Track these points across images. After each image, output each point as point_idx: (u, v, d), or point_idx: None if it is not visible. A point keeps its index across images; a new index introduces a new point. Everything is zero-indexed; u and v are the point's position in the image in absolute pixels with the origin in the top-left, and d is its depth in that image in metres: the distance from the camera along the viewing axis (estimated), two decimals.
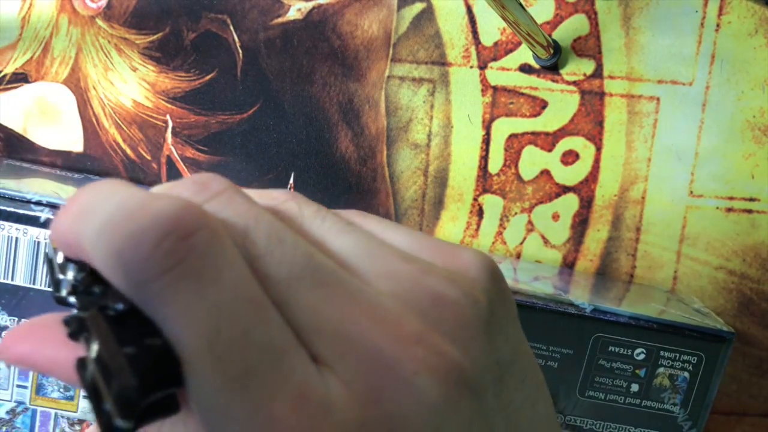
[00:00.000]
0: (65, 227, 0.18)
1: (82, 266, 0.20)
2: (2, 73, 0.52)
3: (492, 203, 0.50)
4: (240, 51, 0.50)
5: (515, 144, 0.49)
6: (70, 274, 0.20)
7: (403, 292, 0.19)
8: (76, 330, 0.19)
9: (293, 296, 0.18)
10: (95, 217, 0.17)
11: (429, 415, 0.17)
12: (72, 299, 0.20)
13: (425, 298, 0.19)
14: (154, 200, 0.17)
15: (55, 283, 0.20)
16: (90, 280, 0.19)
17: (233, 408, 0.16)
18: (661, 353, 0.40)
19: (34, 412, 0.39)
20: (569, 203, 0.49)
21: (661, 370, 0.40)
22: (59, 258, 0.20)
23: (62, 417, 0.39)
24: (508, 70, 0.49)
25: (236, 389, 0.16)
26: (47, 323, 0.19)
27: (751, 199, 0.48)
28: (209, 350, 0.16)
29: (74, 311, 0.20)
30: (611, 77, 0.48)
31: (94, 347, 0.17)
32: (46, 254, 0.22)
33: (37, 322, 0.19)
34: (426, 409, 0.17)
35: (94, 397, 0.17)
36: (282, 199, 0.22)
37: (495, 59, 0.49)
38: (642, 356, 0.40)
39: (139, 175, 0.52)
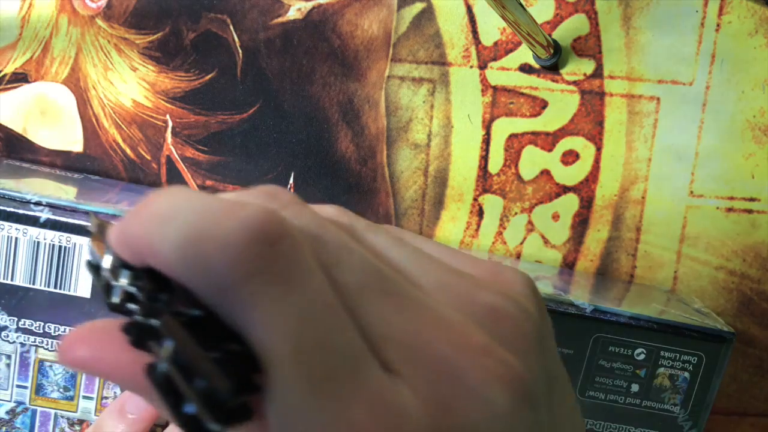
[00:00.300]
0: (136, 232, 0.18)
1: (138, 272, 0.20)
2: (2, 73, 0.52)
3: (492, 203, 0.50)
4: (240, 51, 0.50)
5: (515, 144, 0.49)
6: (123, 280, 0.20)
7: (461, 304, 0.20)
8: (139, 336, 0.19)
9: (363, 304, 0.19)
10: (176, 222, 0.17)
11: (498, 424, 0.18)
12: (132, 306, 0.20)
13: (481, 311, 0.20)
14: (239, 207, 0.17)
15: (106, 290, 0.20)
16: (154, 286, 0.19)
17: (314, 413, 0.16)
18: (662, 353, 0.40)
19: (34, 412, 0.39)
20: (569, 203, 0.49)
21: (661, 370, 0.40)
22: (106, 263, 0.20)
23: (62, 417, 0.39)
24: (508, 69, 0.49)
25: (318, 394, 0.16)
26: (105, 328, 0.19)
27: (752, 199, 0.48)
28: (295, 355, 0.16)
29: (125, 317, 0.20)
30: (611, 77, 0.48)
31: (167, 350, 0.17)
32: (89, 261, 0.22)
33: (94, 326, 0.19)
34: (495, 419, 0.18)
35: (171, 400, 0.17)
36: (334, 213, 0.23)
37: (495, 59, 0.49)
38: (642, 356, 0.40)
39: (139, 175, 0.52)
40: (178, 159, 0.51)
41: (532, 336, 0.21)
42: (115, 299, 0.20)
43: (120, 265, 0.20)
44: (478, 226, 0.50)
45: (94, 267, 0.21)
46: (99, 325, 0.19)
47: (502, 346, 0.19)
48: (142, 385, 0.18)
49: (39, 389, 0.39)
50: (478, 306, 0.20)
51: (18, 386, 0.39)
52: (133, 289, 0.20)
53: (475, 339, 0.19)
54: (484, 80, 0.49)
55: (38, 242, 0.38)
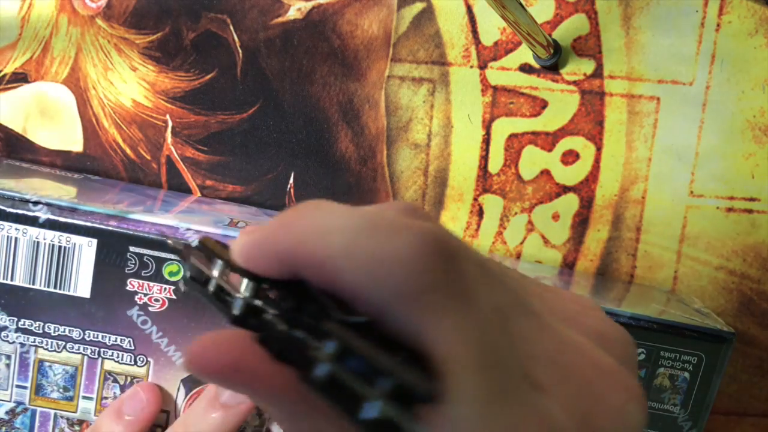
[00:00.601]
0: (289, 245, 0.19)
1: (273, 284, 0.20)
2: (2, 73, 0.52)
3: (492, 203, 0.50)
4: (240, 51, 0.50)
5: (515, 144, 0.49)
6: (245, 293, 0.20)
7: (576, 327, 0.22)
8: (284, 347, 0.19)
9: (509, 323, 0.20)
10: (344, 235, 0.18)
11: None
12: (269, 316, 0.20)
13: (593, 334, 0.22)
14: (411, 220, 0.19)
15: (218, 301, 0.21)
16: (294, 298, 0.20)
17: (490, 421, 0.17)
18: (662, 353, 0.40)
19: (34, 412, 0.39)
20: (569, 203, 0.49)
21: (661, 370, 0.40)
22: (216, 273, 0.21)
23: (62, 417, 0.39)
24: (508, 69, 0.49)
25: (494, 405, 0.17)
26: (237, 338, 0.19)
27: (752, 199, 0.48)
28: (478, 366, 0.17)
29: (244, 328, 0.20)
30: (611, 77, 0.48)
31: (330, 353, 0.18)
32: (191, 276, 0.22)
33: (225, 335, 0.19)
34: (633, 429, 0.20)
35: (346, 405, 0.17)
36: None
37: (495, 59, 0.49)
38: (642, 356, 0.40)
39: (139, 175, 0.52)
40: (178, 159, 0.51)
41: (635, 358, 0.23)
42: (236, 311, 0.20)
43: (250, 279, 0.20)
44: (478, 226, 0.50)
45: (202, 281, 0.22)
46: (230, 334, 0.19)
47: (624, 367, 0.21)
48: (290, 395, 0.19)
49: (39, 389, 0.39)
50: (589, 329, 0.22)
51: (18, 386, 0.39)
52: (259, 302, 0.20)
53: (605, 360, 0.21)
54: (484, 80, 0.49)
55: (38, 242, 0.38)
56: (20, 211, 0.38)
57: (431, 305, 0.17)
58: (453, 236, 0.19)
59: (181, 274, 0.22)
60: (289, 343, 0.19)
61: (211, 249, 0.22)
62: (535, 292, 0.23)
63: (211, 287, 0.21)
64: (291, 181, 0.51)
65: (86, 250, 0.38)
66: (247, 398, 0.36)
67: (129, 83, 0.51)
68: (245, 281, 0.20)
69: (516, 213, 0.50)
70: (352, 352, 0.17)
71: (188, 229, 0.38)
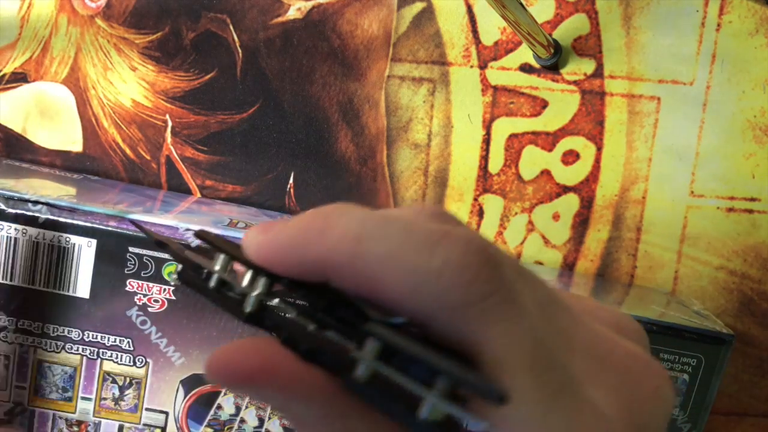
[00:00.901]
0: (319, 251, 0.19)
1: (294, 285, 0.20)
2: (1, 73, 0.52)
3: (492, 203, 0.50)
4: (240, 50, 0.50)
5: (515, 144, 0.49)
6: (259, 290, 0.20)
7: (597, 320, 0.23)
8: (310, 349, 0.19)
9: (551, 320, 0.20)
10: (382, 243, 0.19)
11: (669, 416, 0.22)
12: (292, 316, 0.20)
13: (612, 325, 0.23)
14: (446, 227, 0.19)
15: (227, 298, 0.21)
16: (326, 300, 0.20)
17: (551, 420, 0.18)
18: (661, 355, 0.39)
19: (33, 412, 0.39)
20: (570, 203, 0.49)
21: None
22: (218, 267, 0.21)
23: (60, 418, 0.39)
24: (508, 69, 0.49)
25: (551, 403, 0.18)
26: (262, 343, 0.19)
27: (752, 199, 0.47)
28: (531, 368, 0.18)
29: (256, 328, 0.20)
30: (612, 77, 0.48)
31: (368, 352, 0.18)
32: (188, 272, 0.22)
33: (249, 342, 0.19)
34: (669, 412, 0.22)
35: (396, 406, 0.17)
36: None
37: (495, 59, 0.49)
38: None
39: (139, 175, 0.52)
40: (178, 159, 0.51)
41: (648, 343, 0.24)
42: (250, 309, 0.20)
43: (266, 277, 0.20)
44: (479, 226, 0.50)
45: (201, 276, 0.21)
46: (254, 339, 0.19)
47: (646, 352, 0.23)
48: (323, 397, 0.19)
49: (38, 390, 0.39)
50: (608, 321, 0.23)
51: (16, 387, 0.39)
52: (278, 302, 0.20)
53: (634, 348, 0.22)
54: (484, 80, 0.49)
55: (37, 242, 0.38)
56: (20, 211, 0.38)
57: (482, 313, 0.18)
58: (490, 242, 0.19)
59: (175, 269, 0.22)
60: (320, 344, 0.19)
61: (213, 242, 0.22)
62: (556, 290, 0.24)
63: (213, 282, 0.21)
64: (291, 180, 0.51)
65: (86, 250, 0.38)
66: None
67: (129, 83, 0.51)
68: (250, 277, 0.20)
69: (516, 213, 0.49)
70: (401, 352, 0.18)
71: (187, 230, 0.38)
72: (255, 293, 0.20)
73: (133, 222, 0.26)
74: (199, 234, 0.22)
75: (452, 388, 0.17)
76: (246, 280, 0.21)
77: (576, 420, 0.19)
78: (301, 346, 0.19)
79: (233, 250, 0.21)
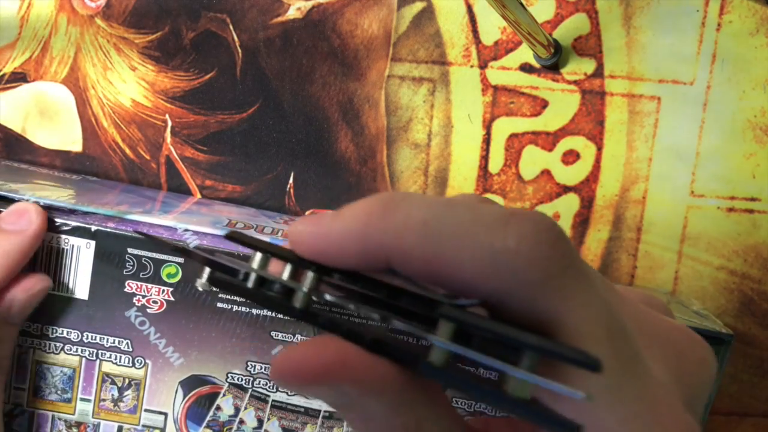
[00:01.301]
0: (382, 238, 0.19)
1: (320, 276, 0.20)
2: (1, 73, 0.52)
3: None
4: (239, 50, 0.50)
5: (516, 144, 0.49)
6: (309, 284, 0.20)
7: (633, 295, 0.24)
8: (379, 340, 0.19)
9: (611, 295, 0.21)
10: (448, 228, 0.19)
11: (713, 383, 0.23)
12: (348, 307, 0.20)
13: (644, 300, 0.24)
14: (511, 209, 0.19)
15: (267, 296, 0.20)
16: (385, 289, 0.20)
17: (625, 387, 0.19)
18: None
19: (32, 414, 0.39)
20: (570, 203, 0.49)
21: None
22: (256, 265, 0.21)
23: (60, 419, 0.39)
24: (508, 69, 0.49)
25: (627, 371, 0.19)
26: (328, 339, 0.19)
27: (753, 199, 0.47)
28: (608, 338, 0.19)
29: (304, 321, 0.20)
30: (612, 77, 0.48)
31: (442, 336, 0.18)
32: (219, 276, 0.22)
33: (315, 340, 0.19)
34: (713, 379, 0.23)
35: (477, 385, 0.17)
36: None
37: (495, 58, 0.49)
38: None
39: (138, 175, 0.52)
40: (178, 159, 0.51)
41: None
42: (300, 305, 0.20)
43: (316, 270, 0.20)
44: None
45: (236, 277, 0.21)
46: (317, 339, 0.19)
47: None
48: (395, 387, 0.19)
49: (36, 391, 0.39)
50: (641, 298, 0.24)
51: (15, 388, 0.39)
52: (330, 296, 0.20)
53: (676, 322, 0.23)
54: (484, 80, 0.49)
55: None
56: None
57: (560, 287, 0.18)
58: (549, 218, 0.19)
59: (203, 276, 0.22)
60: (387, 334, 0.19)
61: (247, 241, 0.21)
62: None
63: (251, 282, 0.21)
64: (291, 181, 0.51)
65: (84, 251, 0.38)
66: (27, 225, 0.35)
67: (128, 83, 0.51)
68: (290, 272, 0.20)
69: None
70: (478, 332, 0.18)
71: (186, 230, 0.38)
72: (305, 288, 0.20)
73: (144, 234, 0.25)
74: (230, 235, 0.22)
75: (537, 362, 0.17)
76: (286, 275, 0.20)
77: (645, 387, 0.19)
78: (366, 337, 0.19)
79: (269, 247, 0.21)
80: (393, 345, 0.19)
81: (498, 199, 0.49)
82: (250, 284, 0.21)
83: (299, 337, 0.37)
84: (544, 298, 0.18)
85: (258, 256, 0.21)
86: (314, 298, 0.20)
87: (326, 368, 0.18)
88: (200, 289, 0.22)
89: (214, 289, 0.22)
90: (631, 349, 0.19)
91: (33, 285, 0.36)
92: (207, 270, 0.22)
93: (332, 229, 0.20)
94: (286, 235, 0.21)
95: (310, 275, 0.20)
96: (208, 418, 0.39)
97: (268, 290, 0.21)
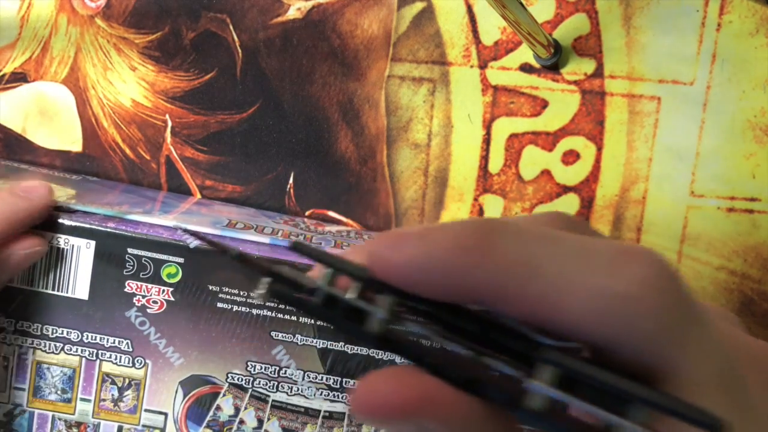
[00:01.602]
0: (484, 277, 0.18)
1: (426, 304, 0.19)
2: (1, 73, 0.52)
3: (492, 203, 0.50)
4: (239, 50, 0.50)
5: (516, 144, 0.49)
6: (384, 309, 0.18)
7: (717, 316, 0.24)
8: (474, 379, 0.18)
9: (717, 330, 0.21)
10: (556, 267, 0.17)
11: None
12: (433, 339, 0.19)
13: (724, 317, 0.25)
14: (623, 243, 0.18)
15: (333, 316, 0.19)
16: (479, 325, 0.18)
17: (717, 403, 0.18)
18: None
19: (32, 414, 0.39)
20: (570, 203, 0.49)
21: None
22: (323, 282, 0.19)
23: (60, 419, 0.39)
24: (508, 69, 0.49)
25: (742, 420, 0.18)
26: (409, 371, 0.18)
27: (753, 199, 0.47)
28: (724, 388, 0.18)
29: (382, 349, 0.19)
30: (612, 77, 0.48)
31: (542, 379, 0.17)
32: (312, 289, 0.20)
33: (395, 372, 0.18)
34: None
35: None
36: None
37: (495, 59, 0.49)
38: None
39: (138, 175, 0.52)
40: (178, 159, 0.51)
41: None
42: (376, 329, 0.18)
43: (400, 298, 0.19)
44: None
45: (301, 292, 0.19)
46: (398, 370, 0.18)
47: None
48: (481, 427, 0.18)
49: (37, 391, 0.39)
50: (715, 314, 0.24)
51: (15, 388, 0.39)
52: (415, 325, 0.19)
53: (760, 340, 0.23)
54: (484, 80, 0.49)
55: None
56: None
57: (676, 337, 0.17)
58: (663, 255, 0.18)
59: (259, 287, 0.20)
60: (481, 373, 0.18)
61: (313, 254, 0.19)
62: None
63: (319, 298, 0.19)
64: (291, 181, 0.51)
65: (84, 251, 0.38)
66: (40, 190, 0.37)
67: (128, 83, 0.51)
68: (359, 291, 0.19)
69: (516, 213, 0.49)
70: (583, 379, 0.16)
71: (185, 230, 0.38)
72: (383, 314, 0.18)
73: (198, 236, 0.25)
74: (294, 246, 0.20)
75: (650, 416, 0.16)
76: (352, 294, 0.19)
77: (760, 430, 0.18)
78: (458, 374, 0.18)
79: (339, 263, 0.19)
80: (492, 384, 0.18)
81: (498, 199, 0.49)
82: (317, 300, 0.19)
83: (299, 337, 0.37)
84: (660, 346, 0.17)
85: (326, 271, 0.19)
86: (399, 327, 0.19)
87: (412, 404, 0.17)
88: (256, 299, 0.21)
89: (274, 302, 0.21)
90: (745, 395, 0.18)
91: (32, 245, 0.37)
92: (266, 280, 0.20)
93: (423, 258, 0.18)
94: (364, 253, 0.19)
95: (386, 299, 0.19)
96: (208, 418, 0.39)
97: (332, 308, 0.19)
